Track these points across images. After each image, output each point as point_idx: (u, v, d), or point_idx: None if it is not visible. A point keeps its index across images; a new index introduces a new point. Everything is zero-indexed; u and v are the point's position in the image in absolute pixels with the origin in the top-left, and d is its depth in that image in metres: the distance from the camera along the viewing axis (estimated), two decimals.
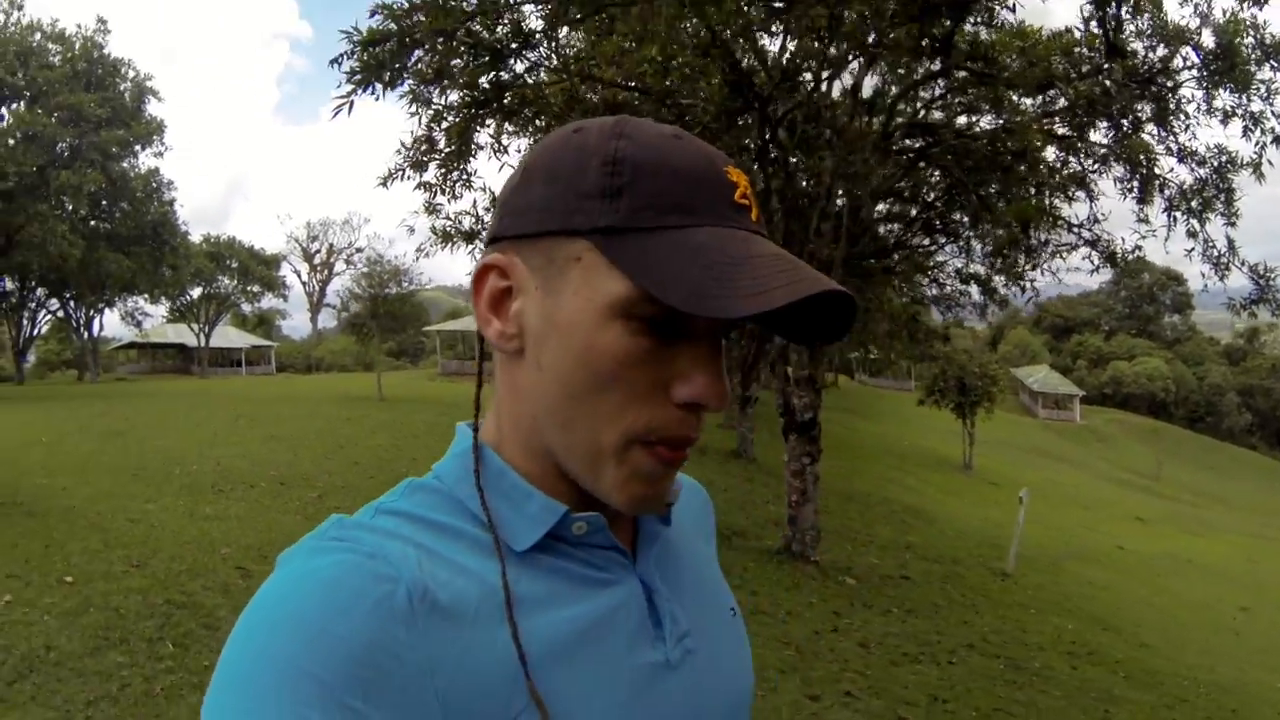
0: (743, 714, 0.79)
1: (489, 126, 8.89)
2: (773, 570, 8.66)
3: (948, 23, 7.67)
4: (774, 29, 8.91)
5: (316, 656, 0.53)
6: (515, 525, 0.67)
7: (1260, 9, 7.44)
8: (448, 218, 9.53)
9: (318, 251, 72.40)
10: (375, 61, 6.01)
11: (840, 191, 9.16)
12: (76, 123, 32.15)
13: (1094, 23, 7.81)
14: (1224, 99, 8.36)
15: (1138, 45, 8.29)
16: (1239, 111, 8.35)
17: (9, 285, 36.83)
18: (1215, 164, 8.91)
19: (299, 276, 73.64)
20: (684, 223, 0.62)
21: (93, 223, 34.54)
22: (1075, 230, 10.39)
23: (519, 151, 9.37)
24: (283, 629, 0.54)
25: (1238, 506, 37.43)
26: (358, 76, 5.98)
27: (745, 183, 0.66)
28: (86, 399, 22.95)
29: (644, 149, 0.63)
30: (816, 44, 8.51)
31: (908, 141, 10.41)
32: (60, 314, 42.75)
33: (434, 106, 7.94)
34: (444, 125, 8.25)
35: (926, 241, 12.60)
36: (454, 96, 7.87)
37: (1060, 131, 9.59)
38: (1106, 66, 8.14)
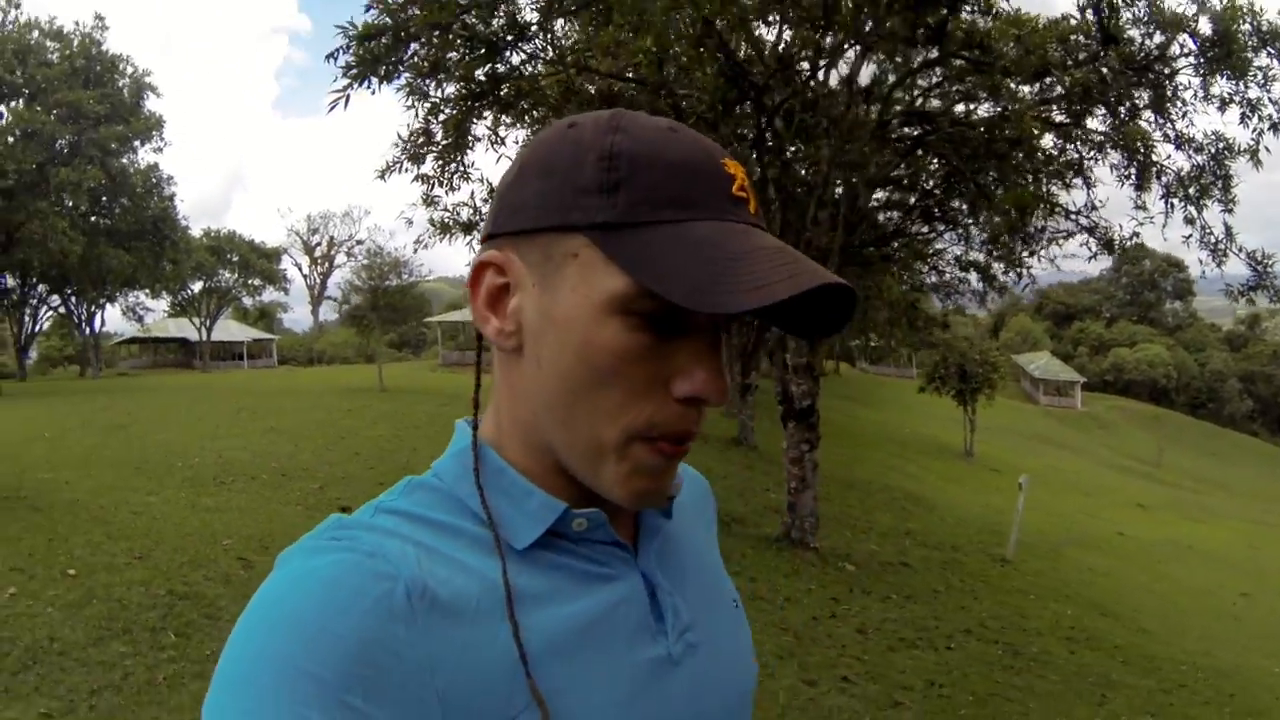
0: (745, 706, 0.79)
1: (486, 119, 8.91)
2: (772, 557, 8.70)
3: (944, 10, 7.67)
4: (770, 18, 8.92)
5: (315, 655, 0.53)
6: (515, 523, 0.67)
7: None
8: (446, 209, 9.57)
9: (318, 244, 72.57)
10: (371, 56, 6.04)
11: (838, 180, 9.17)
12: (75, 119, 32.16)
13: (1089, 10, 7.81)
14: (1221, 86, 8.37)
15: (1134, 32, 8.29)
16: (1236, 98, 8.36)
17: (10, 282, 36.85)
18: (1212, 151, 8.92)
19: (300, 269, 73.88)
20: (682, 217, 0.61)
21: (93, 219, 34.53)
22: (1073, 217, 10.40)
23: (516, 143, 9.39)
24: (282, 629, 0.55)
25: (1239, 493, 37.40)
26: (353, 71, 6.01)
27: (743, 175, 0.66)
28: (88, 394, 23.02)
29: (640, 143, 0.63)
30: (816, 34, 8.51)
31: (905, 130, 10.41)
32: (62, 310, 42.80)
33: (431, 99, 7.96)
34: (441, 118, 8.27)
35: (925, 229, 12.59)
36: (450, 89, 7.89)
37: (1057, 119, 9.60)
38: (1103, 54, 8.15)
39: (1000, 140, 9.22)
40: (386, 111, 11.02)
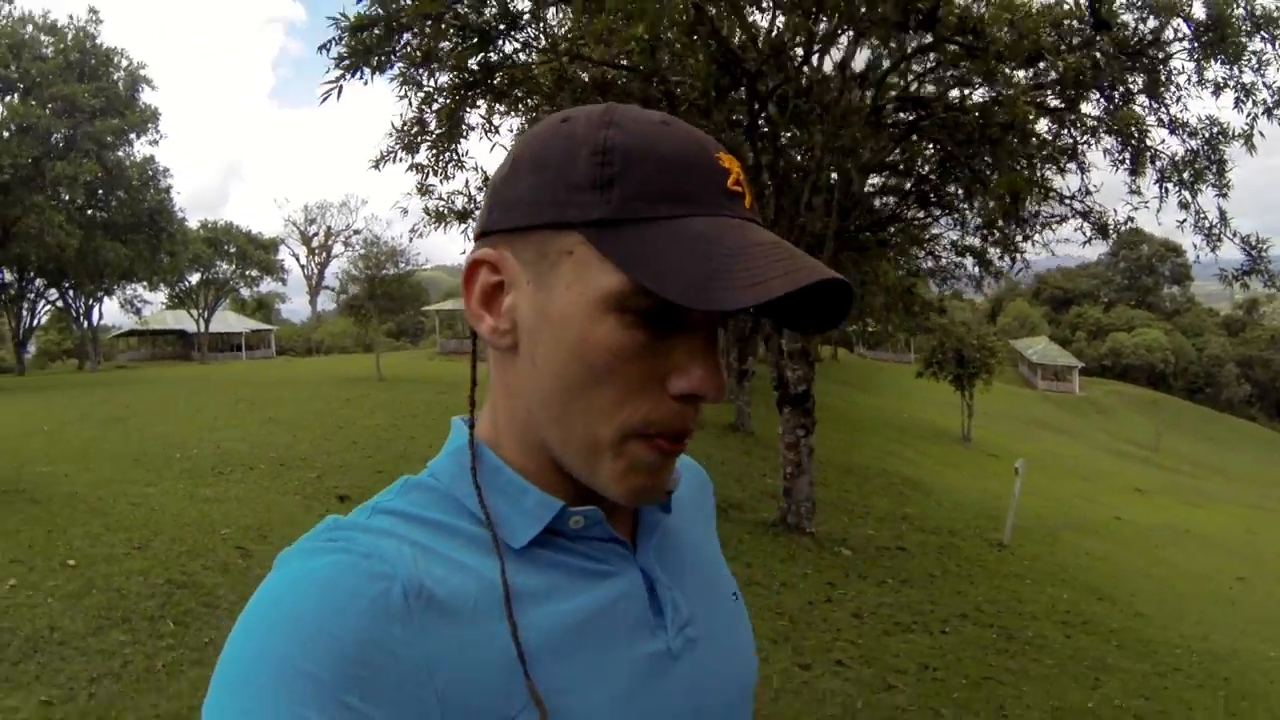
0: (746, 700, 0.79)
1: (479, 107, 8.89)
2: (768, 542, 8.74)
3: None
4: (763, 4, 8.90)
5: (313, 656, 0.53)
6: (512, 521, 0.67)
7: None
8: (440, 198, 9.57)
9: (315, 234, 72.45)
10: (363, 47, 6.04)
11: (831, 165, 9.17)
12: (71, 113, 32.11)
13: None
14: (1215, 70, 8.36)
15: (1128, 17, 8.28)
16: (1230, 83, 8.35)
17: (8, 277, 36.92)
18: (1207, 135, 8.91)
19: (297, 260, 73.78)
20: (678, 212, 0.61)
21: (89, 212, 34.54)
22: (1067, 202, 10.40)
23: (510, 131, 9.38)
24: (279, 630, 0.55)
25: (1236, 477, 37.47)
26: (346, 62, 6.01)
27: (738, 169, 0.65)
28: (87, 387, 23.05)
29: (634, 137, 0.62)
30: (808, 20, 8.50)
31: (899, 115, 10.40)
32: (59, 304, 42.84)
33: (424, 89, 7.96)
34: (434, 107, 8.26)
35: (921, 214, 12.58)
36: (443, 79, 7.87)
37: (1051, 104, 9.59)
38: (1096, 39, 8.14)
39: (994, 125, 9.21)
40: (382, 102, 11.01)
